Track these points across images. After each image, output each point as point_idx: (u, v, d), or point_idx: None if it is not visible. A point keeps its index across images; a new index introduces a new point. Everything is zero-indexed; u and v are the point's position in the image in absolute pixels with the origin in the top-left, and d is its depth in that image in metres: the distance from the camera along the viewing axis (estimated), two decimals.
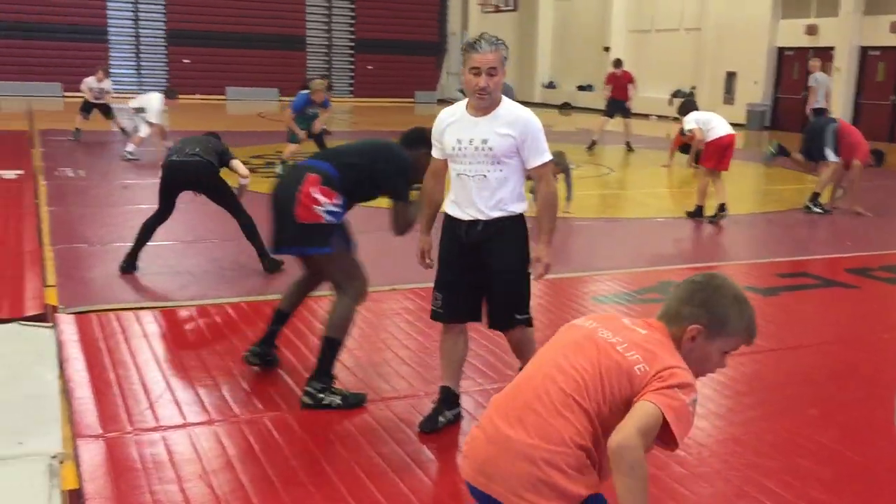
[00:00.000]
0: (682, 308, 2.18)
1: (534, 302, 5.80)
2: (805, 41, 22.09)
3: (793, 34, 22.46)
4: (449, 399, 3.82)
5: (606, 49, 28.12)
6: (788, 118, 22.61)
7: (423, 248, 3.85)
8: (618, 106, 16.49)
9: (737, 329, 2.18)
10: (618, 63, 17.37)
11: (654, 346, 2.14)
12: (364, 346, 4.85)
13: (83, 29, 25.55)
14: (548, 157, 3.61)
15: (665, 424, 1.99)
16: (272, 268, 6.32)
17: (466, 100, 3.61)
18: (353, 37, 29.34)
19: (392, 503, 3.14)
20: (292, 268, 5.15)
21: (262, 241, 6.22)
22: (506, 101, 3.58)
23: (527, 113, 3.59)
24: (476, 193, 3.56)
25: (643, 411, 2.01)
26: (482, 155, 3.52)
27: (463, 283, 3.67)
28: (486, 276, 3.64)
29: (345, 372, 4.33)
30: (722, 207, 8.94)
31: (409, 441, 3.67)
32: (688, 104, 10.27)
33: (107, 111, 14.80)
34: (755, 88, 23.27)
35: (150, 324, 5.09)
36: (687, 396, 2.04)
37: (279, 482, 3.26)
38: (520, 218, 3.65)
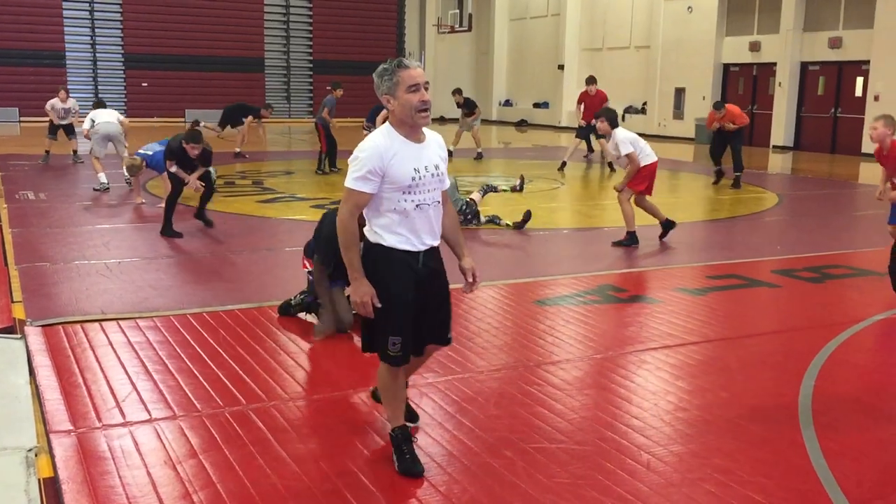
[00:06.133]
0: None
1: (485, 307, 6.23)
2: (749, 57, 22.95)
3: (737, 51, 23.31)
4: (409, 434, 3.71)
5: (560, 67, 28.89)
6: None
7: (372, 292, 3.43)
8: (591, 128, 14.97)
9: None
10: (591, 80, 16.53)
11: None
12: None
13: (41, 54, 25.64)
14: None
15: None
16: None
17: (384, 129, 3.45)
18: (311, 58, 29.75)
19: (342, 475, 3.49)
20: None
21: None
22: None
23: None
24: (435, 221, 3.52)
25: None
26: (437, 181, 3.50)
27: (413, 320, 3.54)
28: (430, 300, 3.58)
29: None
30: (670, 223, 8.92)
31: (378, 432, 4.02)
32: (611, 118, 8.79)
33: (70, 131, 14.88)
34: (704, 103, 24.03)
35: (115, 333, 5.38)
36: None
37: (239, 466, 3.59)
38: None
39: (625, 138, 8.52)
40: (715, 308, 6.37)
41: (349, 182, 3.38)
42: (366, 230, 3.51)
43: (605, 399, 4.49)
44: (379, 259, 3.45)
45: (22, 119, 25.00)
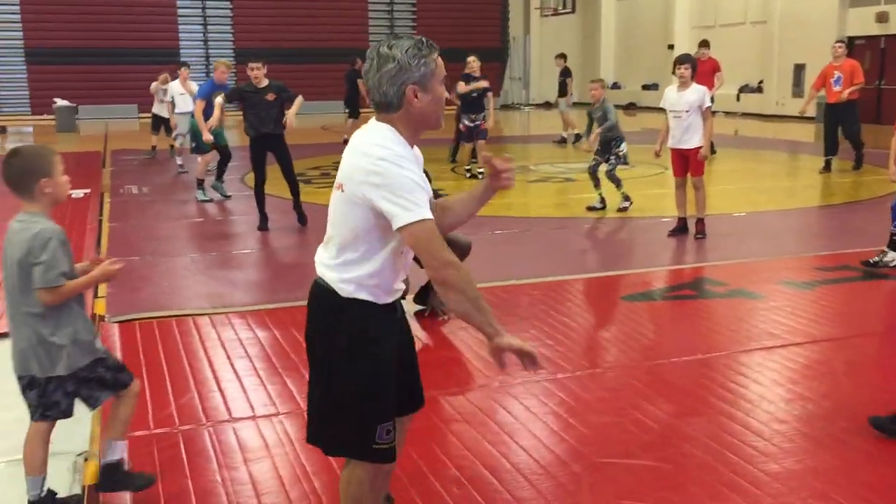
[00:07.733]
0: None
1: (567, 301, 5.87)
2: (876, 29, 21.38)
3: (863, 22, 21.75)
4: None
5: (670, 47, 27.75)
6: (861, 109, 21.86)
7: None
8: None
9: None
10: (703, 44, 15.32)
11: None
12: None
13: (157, 52, 26.62)
14: None
15: None
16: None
17: (391, 136, 2.46)
18: None
19: None
20: None
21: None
22: None
23: None
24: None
25: None
26: None
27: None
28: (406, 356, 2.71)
29: None
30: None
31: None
32: None
33: (168, 127, 13.79)
34: None
35: (188, 330, 5.33)
36: None
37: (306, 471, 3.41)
38: None
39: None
40: (823, 304, 5.79)
41: (416, 212, 2.31)
42: (332, 279, 2.50)
43: (693, 409, 4.08)
44: (356, 318, 2.48)
45: (141, 115, 26.02)
